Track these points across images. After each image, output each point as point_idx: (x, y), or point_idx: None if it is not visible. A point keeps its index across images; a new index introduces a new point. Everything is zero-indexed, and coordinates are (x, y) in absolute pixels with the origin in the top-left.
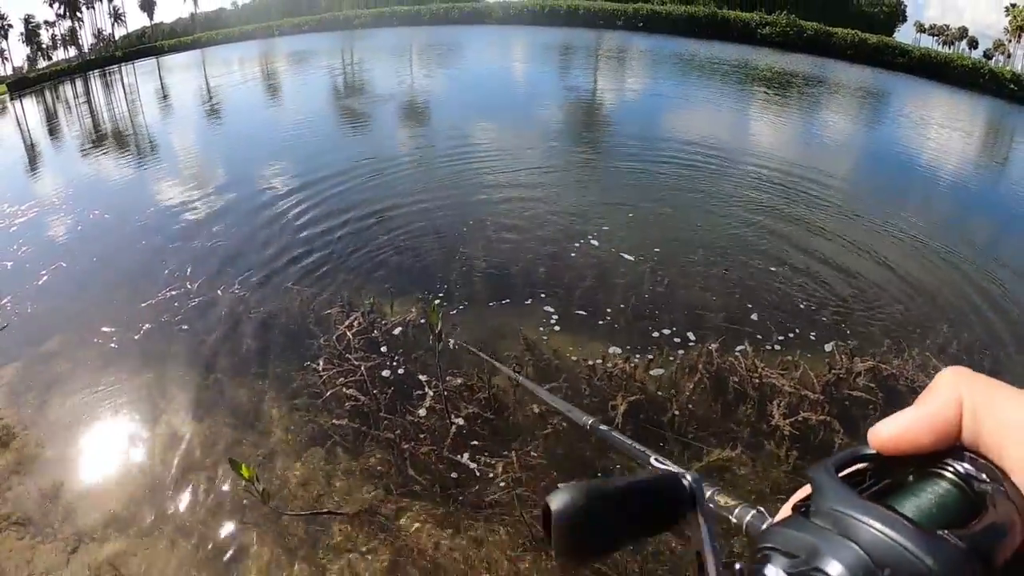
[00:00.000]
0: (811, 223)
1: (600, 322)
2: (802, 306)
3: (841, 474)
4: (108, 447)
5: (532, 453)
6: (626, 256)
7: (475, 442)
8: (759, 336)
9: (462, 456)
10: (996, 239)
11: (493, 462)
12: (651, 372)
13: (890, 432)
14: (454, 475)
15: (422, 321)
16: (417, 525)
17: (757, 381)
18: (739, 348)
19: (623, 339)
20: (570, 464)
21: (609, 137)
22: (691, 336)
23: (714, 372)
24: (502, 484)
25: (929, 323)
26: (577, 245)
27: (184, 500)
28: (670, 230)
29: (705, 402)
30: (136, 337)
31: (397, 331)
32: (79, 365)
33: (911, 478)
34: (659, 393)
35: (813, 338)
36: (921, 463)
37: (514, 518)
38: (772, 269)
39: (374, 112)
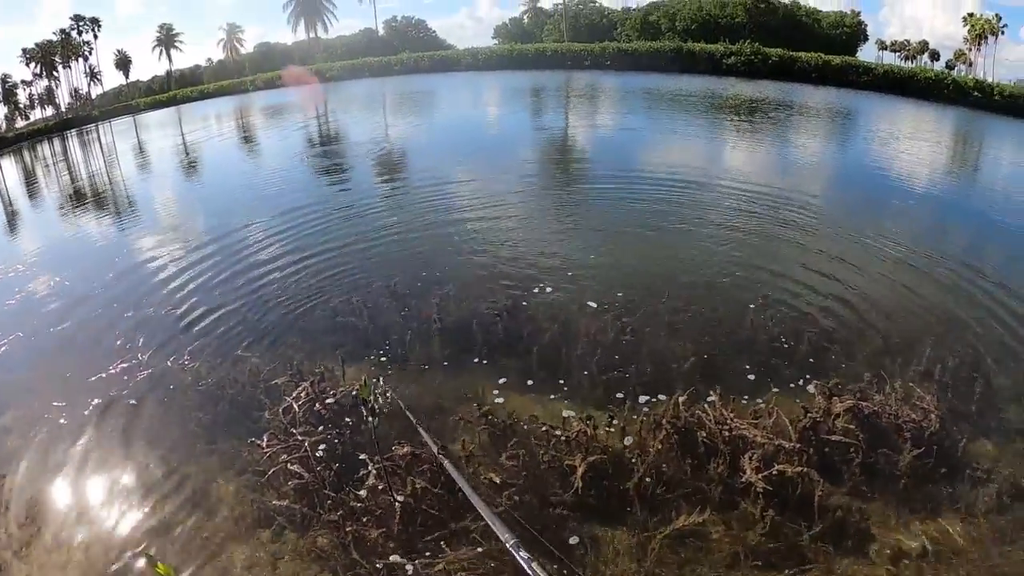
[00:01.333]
0: (780, 252)
1: (560, 380)
2: (778, 343)
3: None
4: (54, 529)
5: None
6: (590, 303)
7: (421, 526)
8: (733, 382)
9: (390, 557)
10: (973, 248)
11: (433, 559)
12: (614, 432)
13: None
14: (400, 559)
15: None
16: None
17: (727, 434)
18: (709, 399)
19: (585, 398)
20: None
21: (574, 177)
22: (658, 388)
23: (681, 427)
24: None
25: (911, 347)
26: (536, 291)
27: None
28: (636, 272)
29: (673, 461)
30: (85, 413)
31: (344, 401)
32: (29, 443)
33: None
34: (625, 454)
35: (789, 377)
36: None
37: None
38: (749, 305)
39: (343, 164)
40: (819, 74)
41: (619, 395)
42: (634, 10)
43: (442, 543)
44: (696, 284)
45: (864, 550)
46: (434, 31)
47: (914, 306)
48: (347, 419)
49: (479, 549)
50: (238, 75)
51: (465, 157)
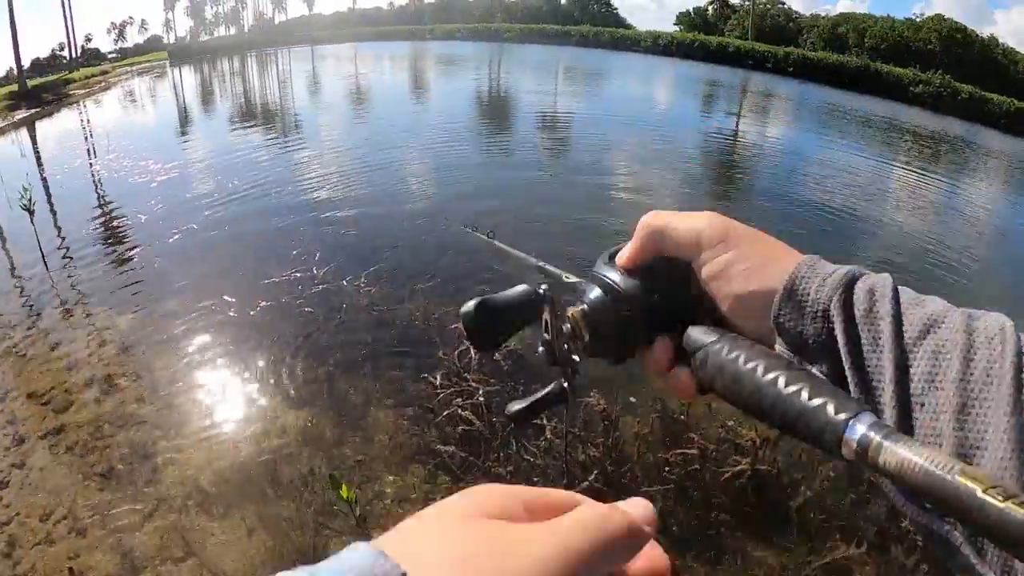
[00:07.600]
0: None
1: None
2: None
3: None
4: (205, 417)
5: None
6: None
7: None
8: None
9: None
10: None
11: None
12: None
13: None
14: None
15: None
16: None
17: None
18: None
19: None
20: (685, 530)
21: (747, 188)
22: None
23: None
24: None
25: None
26: None
27: (272, 492)
28: None
29: (837, 491)
30: (252, 312)
31: (524, 357)
32: (192, 329)
33: None
34: (791, 473)
35: None
36: None
37: None
38: None
39: (515, 123)
40: (1009, 121)
41: None
42: (823, 18)
43: None
44: None
45: None
46: (615, 8)
47: None
48: (522, 376)
49: None
50: (417, 22)
51: (638, 145)
